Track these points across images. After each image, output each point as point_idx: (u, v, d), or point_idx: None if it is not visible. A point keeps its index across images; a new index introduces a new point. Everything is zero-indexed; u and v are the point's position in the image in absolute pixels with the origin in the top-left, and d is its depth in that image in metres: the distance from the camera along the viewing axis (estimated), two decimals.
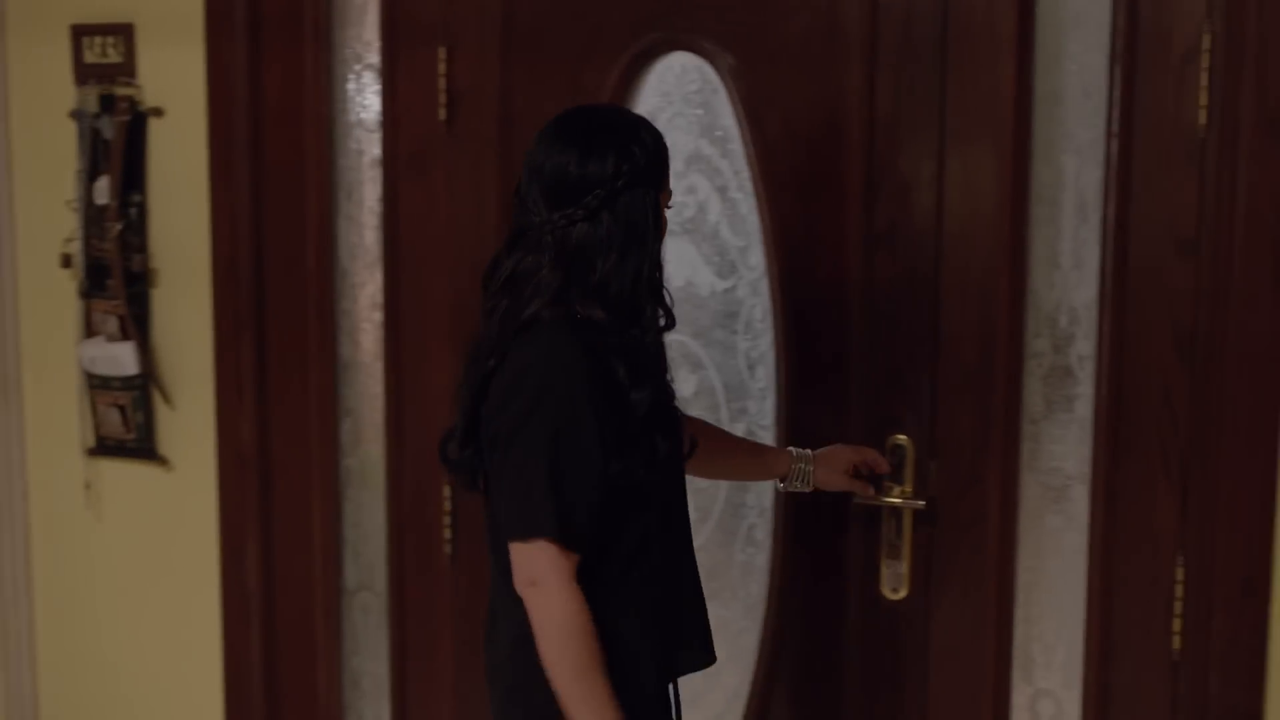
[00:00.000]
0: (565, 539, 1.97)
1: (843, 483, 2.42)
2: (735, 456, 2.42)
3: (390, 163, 2.82)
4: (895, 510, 2.45)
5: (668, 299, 2.10)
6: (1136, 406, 2.28)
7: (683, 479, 2.17)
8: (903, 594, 2.47)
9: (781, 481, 2.42)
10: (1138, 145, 2.23)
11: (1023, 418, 2.38)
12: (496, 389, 2.02)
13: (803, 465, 2.39)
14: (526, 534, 1.98)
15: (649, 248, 2.05)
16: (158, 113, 2.95)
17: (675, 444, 2.09)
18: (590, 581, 2.00)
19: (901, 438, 2.44)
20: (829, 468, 2.40)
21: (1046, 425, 2.37)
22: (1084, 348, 2.32)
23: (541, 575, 1.98)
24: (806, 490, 2.40)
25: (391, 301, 2.85)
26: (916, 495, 2.43)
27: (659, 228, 2.07)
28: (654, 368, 2.06)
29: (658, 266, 2.08)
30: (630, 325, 2.04)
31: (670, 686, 2.14)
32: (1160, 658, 2.31)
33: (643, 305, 2.05)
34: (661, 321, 2.08)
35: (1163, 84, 2.21)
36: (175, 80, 2.93)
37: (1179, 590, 2.28)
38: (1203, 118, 2.19)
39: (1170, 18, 2.20)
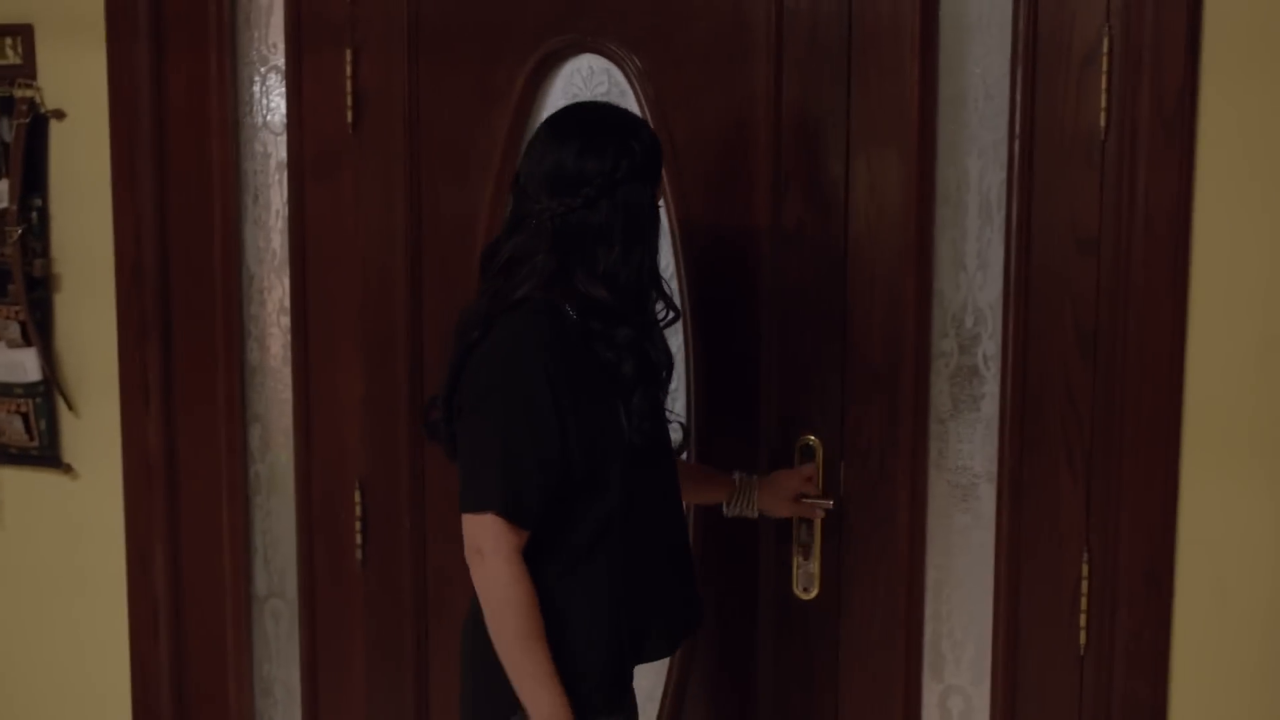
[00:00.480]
0: (511, 515, 2.02)
1: (788, 509, 2.44)
2: (682, 479, 2.40)
3: (296, 166, 2.79)
4: None
5: (669, 290, 2.19)
6: (1041, 405, 2.31)
7: (667, 473, 2.23)
8: (814, 593, 2.49)
9: (726, 505, 2.43)
10: (1040, 147, 2.26)
11: (930, 417, 2.40)
12: (474, 362, 2.08)
13: (748, 492, 2.42)
14: (476, 505, 2.04)
15: (648, 239, 2.12)
16: (59, 115, 2.91)
17: (657, 438, 2.16)
18: (542, 560, 2.06)
19: (811, 438, 2.46)
20: (775, 494, 2.42)
21: (954, 424, 2.39)
22: (990, 347, 2.35)
23: (487, 547, 2.03)
24: (752, 516, 2.42)
25: (299, 306, 2.82)
26: (826, 495, 2.45)
27: (655, 221, 2.14)
28: (660, 357, 2.15)
29: (654, 255, 2.15)
30: (637, 312, 2.11)
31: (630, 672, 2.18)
32: (1067, 652, 2.34)
33: (648, 294, 2.14)
34: (668, 314, 2.19)
35: (1064, 87, 2.24)
36: (76, 82, 2.89)
37: (1084, 585, 2.31)
38: (1103, 120, 2.22)
39: (1070, 22, 2.23)
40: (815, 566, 2.48)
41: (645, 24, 2.51)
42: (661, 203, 2.20)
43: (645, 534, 2.15)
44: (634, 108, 2.52)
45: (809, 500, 2.43)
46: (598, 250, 2.07)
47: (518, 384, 2.03)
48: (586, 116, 2.18)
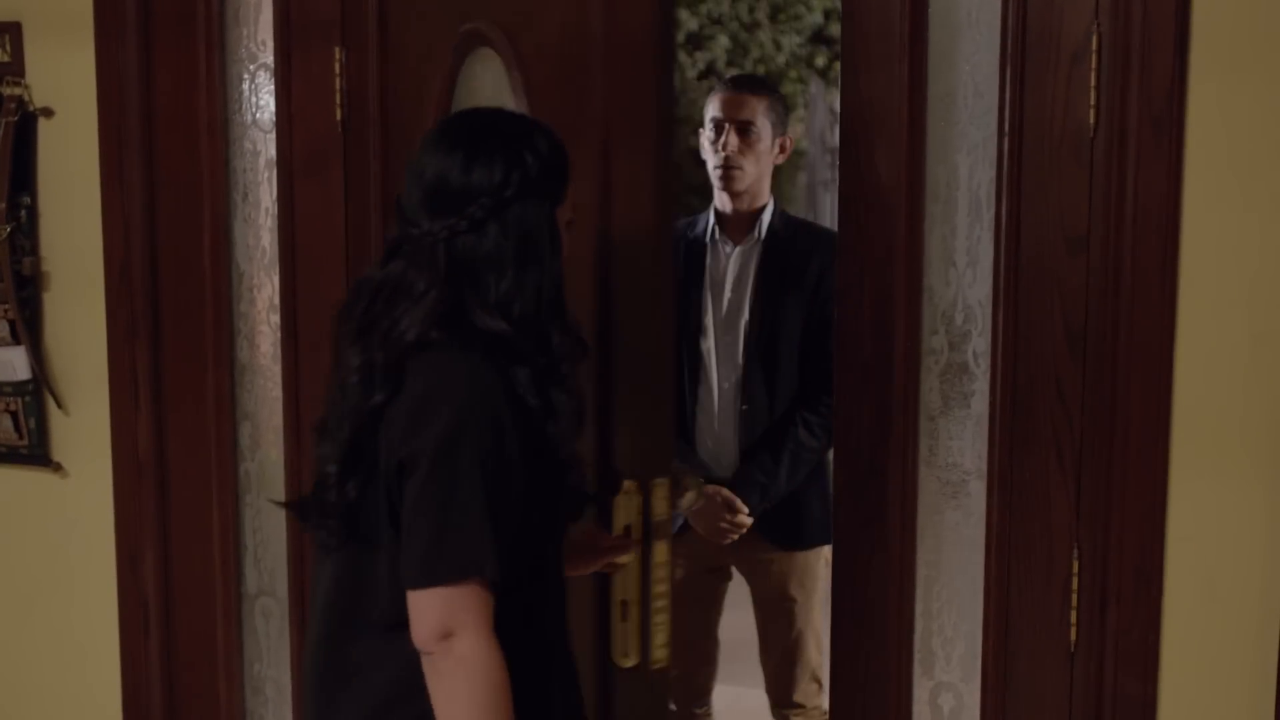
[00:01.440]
0: (496, 580, 1.79)
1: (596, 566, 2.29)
2: None
3: (286, 164, 2.78)
4: None
5: (574, 326, 1.95)
6: (1031, 402, 2.31)
7: (564, 527, 2.03)
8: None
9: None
10: (1029, 145, 2.26)
11: (920, 414, 2.40)
12: (399, 415, 1.83)
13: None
14: (451, 575, 1.77)
15: (546, 266, 1.89)
16: (47, 113, 2.90)
17: (576, 486, 1.97)
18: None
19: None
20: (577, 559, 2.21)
21: (944, 421, 2.39)
22: (980, 344, 2.35)
23: (463, 623, 1.76)
24: None
25: (289, 304, 2.81)
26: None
27: (555, 244, 1.92)
28: (573, 402, 1.92)
29: (559, 287, 1.92)
30: (537, 351, 1.88)
31: None
32: (1058, 649, 2.34)
33: (548, 329, 1.89)
34: (570, 349, 1.93)
35: (1053, 84, 2.24)
36: (65, 80, 2.88)
37: (1075, 582, 2.31)
38: (1092, 117, 2.22)
39: (1059, 20, 2.22)
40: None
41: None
42: (570, 221, 1.97)
43: (555, 591, 1.98)
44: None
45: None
46: (489, 278, 1.85)
47: (479, 434, 1.79)
48: (474, 123, 1.95)
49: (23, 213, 2.93)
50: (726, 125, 3.40)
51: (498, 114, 2.03)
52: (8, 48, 2.91)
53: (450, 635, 1.77)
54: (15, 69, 2.90)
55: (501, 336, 1.84)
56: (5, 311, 2.95)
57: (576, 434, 1.95)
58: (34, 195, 2.93)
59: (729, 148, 3.39)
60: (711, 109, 3.45)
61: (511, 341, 1.85)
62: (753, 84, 3.60)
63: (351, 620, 1.90)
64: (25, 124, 2.90)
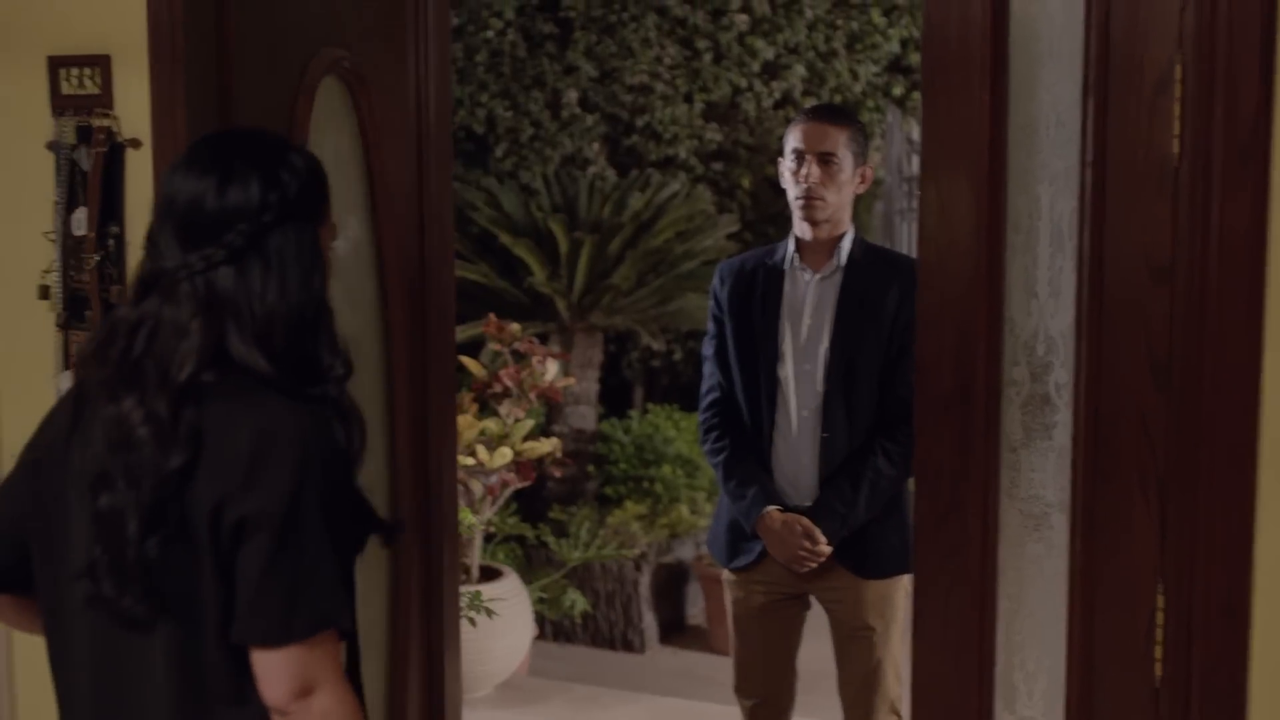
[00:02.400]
0: (348, 628, 1.75)
1: None
2: None
3: None
4: None
5: (341, 345, 1.84)
6: (1114, 434, 2.29)
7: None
8: None
9: None
10: (1112, 174, 2.24)
11: (1002, 446, 2.38)
12: (221, 471, 1.71)
13: None
14: (310, 628, 1.69)
15: (312, 292, 1.79)
16: (135, 144, 2.95)
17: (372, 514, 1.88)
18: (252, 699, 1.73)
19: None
20: None
21: (1025, 453, 2.37)
22: (1061, 376, 2.33)
23: (321, 678, 1.70)
24: None
25: None
26: None
27: (320, 268, 1.81)
28: (352, 436, 1.81)
29: (326, 311, 1.82)
30: (307, 382, 1.78)
31: None
32: (1142, 684, 2.31)
33: (318, 356, 1.80)
34: (339, 370, 1.82)
35: (1136, 114, 2.22)
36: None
37: (1160, 617, 2.28)
38: (1176, 146, 2.20)
39: (1142, 48, 2.21)
40: None
41: None
42: (334, 240, 1.89)
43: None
44: None
45: None
46: (249, 309, 1.74)
47: (317, 480, 1.70)
48: (219, 146, 1.83)
49: (111, 242, 2.97)
50: (808, 156, 3.41)
51: (250, 134, 1.90)
52: (97, 80, 2.96)
53: (310, 692, 1.70)
54: (104, 101, 2.96)
55: (263, 376, 1.74)
56: None
57: (361, 460, 1.87)
58: (122, 224, 2.98)
59: (811, 179, 3.40)
60: (793, 139, 3.46)
61: (270, 376, 1.75)
62: (834, 115, 3.59)
63: (193, 704, 1.77)
64: (114, 154, 2.95)
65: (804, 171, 3.40)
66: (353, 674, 1.86)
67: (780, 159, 3.51)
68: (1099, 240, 2.26)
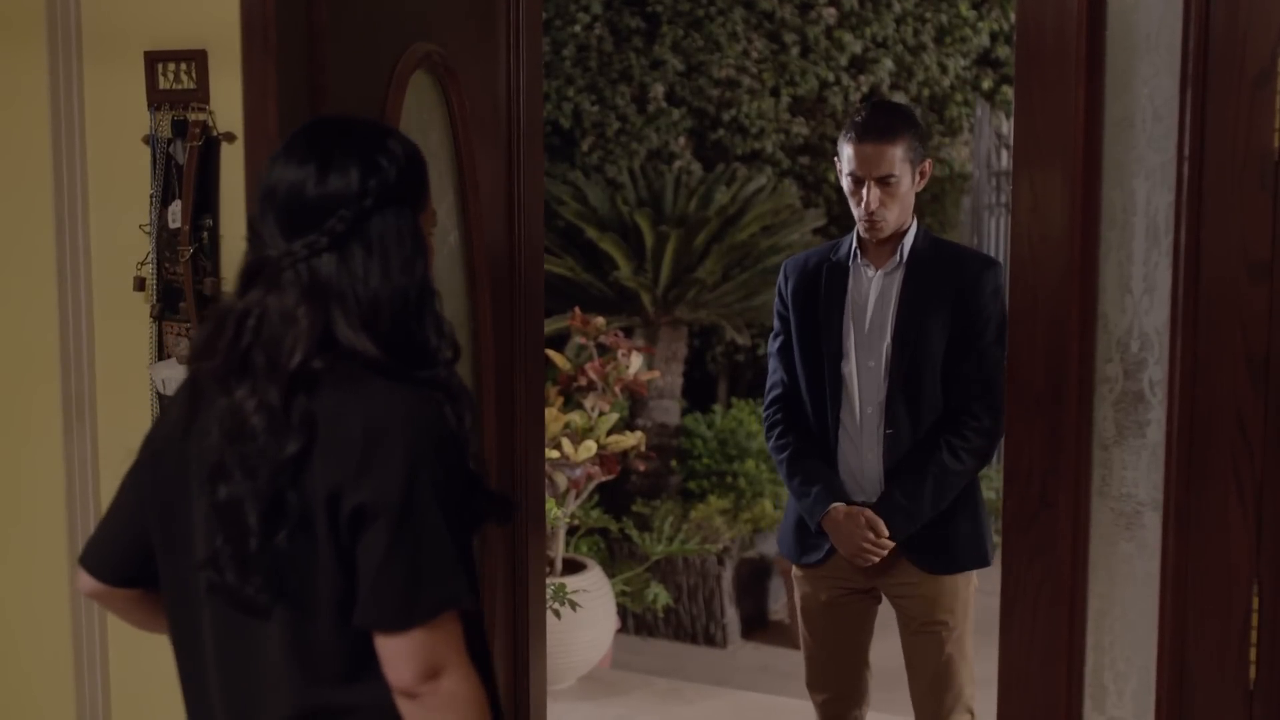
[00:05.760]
0: (472, 607, 1.76)
1: None
2: None
3: None
4: None
5: (448, 328, 1.85)
6: (1209, 432, 2.26)
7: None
8: None
9: None
10: (1209, 169, 2.21)
11: (1094, 443, 2.36)
12: (335, 459, 1.73)
13: None
14: (432, 610, 1.72)
15: (415, 275, 1.80)
16: (229, 138, 2.99)
17: (490, 491, 1.90)
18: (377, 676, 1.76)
19: None
20: None
21: (1118, 451, 2.35)
22: (1156, 373, 2.30)
23: (447, 659, 1.73)
24: None
25: None
26: None
27: (423, 253, 1.82)
28: (469, 407, 1.82)
29: (431, 295, 1.83)
30: (415, 365, 1.80)
31: None
32: (1235, 687, 2.28)
33: (425, 339, 1.81)
34: (446, 352, 1.83)
35: (1235, 108, 2.19)
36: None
37: (1254, 618, 2.25)
38: (1276, 141, 2.16)
39: (1242, 41, 2.18)
40: None
41: None
42: (433, 226, 1.91)
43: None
44: None
45: None
46: (355, 294, 1.76)
47: (432, 466, 1.73)
48: (324, 133, 1.84)
49: (205, 235, 3.01)
50: (868, 182, 3.35)
51: (348, 122, 1.89)
52: (193, 75, 3.00)
53: (437, 674, 1.73)
54: (200, 95, 2.99)
55: (372, 360, 1.76)
56: (187, 330, 3.04)
57: (474, 439, 1.87)
58: (216, 218, 3.01)
59: (873, 204, 3.34)
60: (848, 162, 3.37)
61: (379, 360, 1.76)
62: (886, 131, 3.36)
63: (309, 684, 1.80)
64: (209, 148, 2.99)
65: (864, 195, 3.34)
66: (481, 649, 1.86)
67: (836, 158, 3.45)
68: (1195, 236, 2.23)
